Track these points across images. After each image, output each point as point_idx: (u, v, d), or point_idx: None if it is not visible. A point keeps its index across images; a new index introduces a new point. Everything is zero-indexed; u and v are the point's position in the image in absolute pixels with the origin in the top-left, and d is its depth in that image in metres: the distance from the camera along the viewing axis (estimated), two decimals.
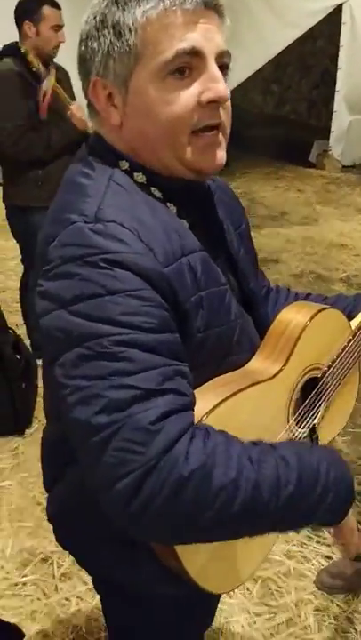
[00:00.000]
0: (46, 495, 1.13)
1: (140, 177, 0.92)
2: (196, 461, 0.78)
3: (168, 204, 0.92)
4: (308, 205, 6.59)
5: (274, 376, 0.97)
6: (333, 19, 7.35)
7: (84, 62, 0.91)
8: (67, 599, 2.02)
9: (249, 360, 1.01)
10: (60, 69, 2.93)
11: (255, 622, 1.95)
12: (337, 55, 7.65)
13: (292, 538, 2.24)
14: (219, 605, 1.97)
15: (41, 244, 0.88)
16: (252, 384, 0.93)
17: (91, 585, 1.68)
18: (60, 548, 1.14)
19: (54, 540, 1.14)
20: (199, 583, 0.89)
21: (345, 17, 7.28)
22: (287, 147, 8.91)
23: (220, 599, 1.99)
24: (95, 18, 0.88)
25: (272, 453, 0.85)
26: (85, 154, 0.95)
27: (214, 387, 0.93)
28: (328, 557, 2.20)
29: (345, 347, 1.07)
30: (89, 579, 1.52)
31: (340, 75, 7.65)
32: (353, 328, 1.10)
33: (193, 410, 0.84)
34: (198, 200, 0.98)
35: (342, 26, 7.36)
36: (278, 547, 2.20)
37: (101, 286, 0.80)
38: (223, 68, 0.90)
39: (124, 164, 0.92)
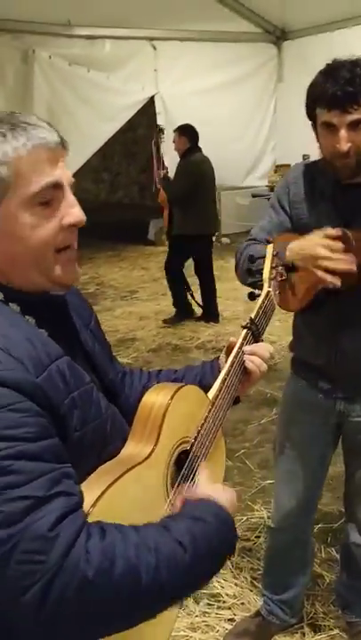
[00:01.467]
0: None
1: None
2: (96, 560, 0.83)
3: (26, 317, 0.99)
4: (154, 281, 6.90)
5: (147, 457, 1.05)
6: (149, 109, 8.01)
7: None
8: None
9: (122, 447, 1.07)
10: None
11: None
12: None
13: (193, 610, 2.26)
14: None
15: None
16: (129, 469, 1.00)
17: None
18: None
19: None
20: None
21: (158, 107, 7.99)
22: (126, 229, 9.31)
23: None
24: None
25: (166, 535, 0.92)
26: None
27: (96, 478, 0.98)
28: (231, 620, 2.24)
29: (206, 416, 1.18)
30: None
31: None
32: (211, 398, 1.22)
33: (83, 507, 0.89)
34: (54, 309, 1.06)
35: (157, 115, 8.03)
36: (181, 622, 2.21)
37: None
38: (75, 194, 1.03)
39: None
